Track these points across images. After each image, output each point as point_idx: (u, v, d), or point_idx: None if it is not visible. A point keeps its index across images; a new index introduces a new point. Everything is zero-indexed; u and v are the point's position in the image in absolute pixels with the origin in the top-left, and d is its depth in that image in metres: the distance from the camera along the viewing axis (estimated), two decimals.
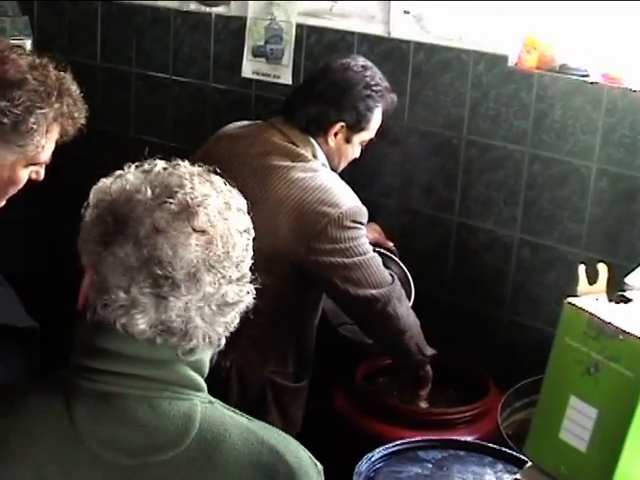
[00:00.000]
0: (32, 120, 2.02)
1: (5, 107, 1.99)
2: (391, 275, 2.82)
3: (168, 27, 3.85)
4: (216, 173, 1.59)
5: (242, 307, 1.55)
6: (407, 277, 3.08)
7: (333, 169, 2.84)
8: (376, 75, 2.84)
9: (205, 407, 1.53)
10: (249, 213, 1.59)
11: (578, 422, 1.59)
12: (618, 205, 2.95)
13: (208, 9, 3.73)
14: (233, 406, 1.60)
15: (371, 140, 2.91)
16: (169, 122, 3.94)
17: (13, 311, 2.17)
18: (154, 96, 3.97)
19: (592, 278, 1.69)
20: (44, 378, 1.59)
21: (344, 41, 3.39)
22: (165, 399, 1.50)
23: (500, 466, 2.34)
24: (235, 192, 1.59)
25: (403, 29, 3.26)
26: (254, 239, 1.57)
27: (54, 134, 2.10)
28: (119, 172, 1.56)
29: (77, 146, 2.18)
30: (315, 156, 2.77)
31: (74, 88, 2.12)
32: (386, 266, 2.89)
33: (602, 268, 1.69)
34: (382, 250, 3.07)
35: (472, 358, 3.17)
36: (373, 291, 2.71)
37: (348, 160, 2.90)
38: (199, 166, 1.59)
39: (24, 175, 2.12)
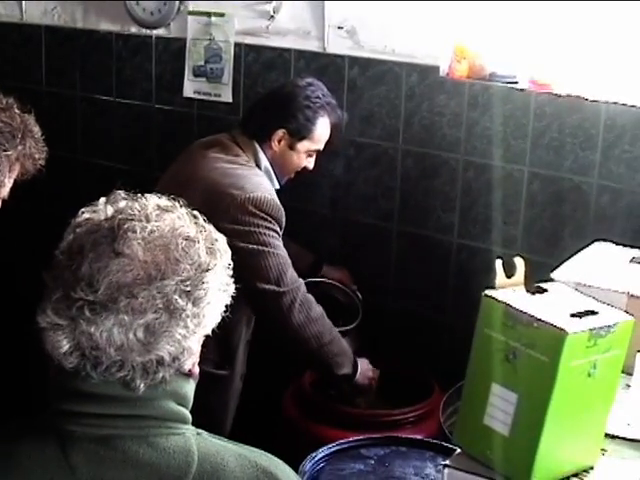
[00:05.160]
0: None
1: None
2: (298, 282, 2.82)
3: (110, 50, 3.91)
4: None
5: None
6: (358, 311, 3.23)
7: (279, 175, 3.00)
8: (318, 91, 3.01)
9: (196, 439, 1.51)
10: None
11: (500, 408, 1.64)
12: (550, 207, 3.03)
13: (148, 31, 3.79)
14: None
15: (318, 151, 3.04)
16: (116, 144, 3.99)
17: None
18: (100, 119, 4.02)
19: (509, 271, 1.77)
20: (29, 423, 1.51)
21: (281, 58, 3.46)
22: (162, 436, 1.47)
23: (440, 459, 2.36)
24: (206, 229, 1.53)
25: (338, 44, 3.35)
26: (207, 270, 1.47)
27: (15, 173, 2.17)
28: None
29: None
30: (257, 160, 2.96)
31: (36, 130, 2.18)
32: (341, 301, 3.09)
33: (519, 262, 1.77)
34: (342, 286, 3.26)
35: (416, 361, 3.22)
36: (266, 286, 2.75)
37: (294, 167, 3.03)
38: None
39: None
